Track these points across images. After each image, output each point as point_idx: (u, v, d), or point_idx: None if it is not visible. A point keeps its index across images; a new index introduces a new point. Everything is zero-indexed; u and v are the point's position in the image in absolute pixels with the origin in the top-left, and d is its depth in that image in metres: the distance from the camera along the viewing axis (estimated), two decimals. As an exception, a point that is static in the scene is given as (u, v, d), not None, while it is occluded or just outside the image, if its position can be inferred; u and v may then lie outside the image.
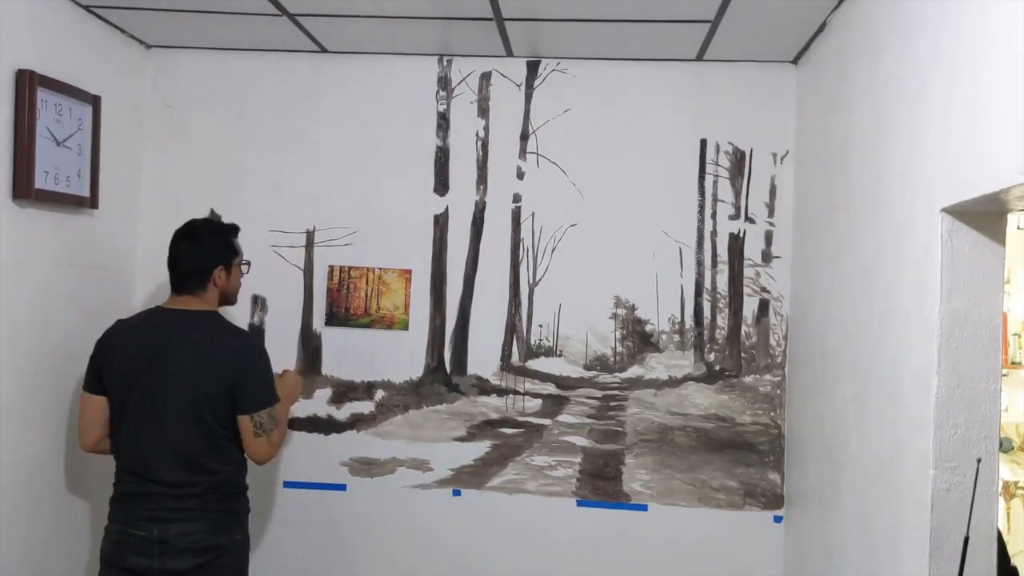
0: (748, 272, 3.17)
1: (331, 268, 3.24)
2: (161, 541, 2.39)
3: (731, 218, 3.17)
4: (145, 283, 3.22)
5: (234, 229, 2.69)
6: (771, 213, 3.16)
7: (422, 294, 3.23)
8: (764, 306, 3.16)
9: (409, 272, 3.23)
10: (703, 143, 3.17)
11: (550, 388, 3.22)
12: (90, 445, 2.55)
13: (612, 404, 3.20)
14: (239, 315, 3.24)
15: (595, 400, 3.20)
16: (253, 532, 3.22)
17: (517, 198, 3.22)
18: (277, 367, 3.23)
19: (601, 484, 3.19)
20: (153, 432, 2.43)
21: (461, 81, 3.22)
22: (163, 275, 3.21)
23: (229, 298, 2.67)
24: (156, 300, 3.15)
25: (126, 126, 3.13)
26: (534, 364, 3.22)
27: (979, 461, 1.72)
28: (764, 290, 3.16)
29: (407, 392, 3.24)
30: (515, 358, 3.23)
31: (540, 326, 3.22)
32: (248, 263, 2.76)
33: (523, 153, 3.22)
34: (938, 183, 1.78)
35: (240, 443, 2.51)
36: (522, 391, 3.22)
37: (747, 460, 3.15)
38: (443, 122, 3.23)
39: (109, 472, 2.56)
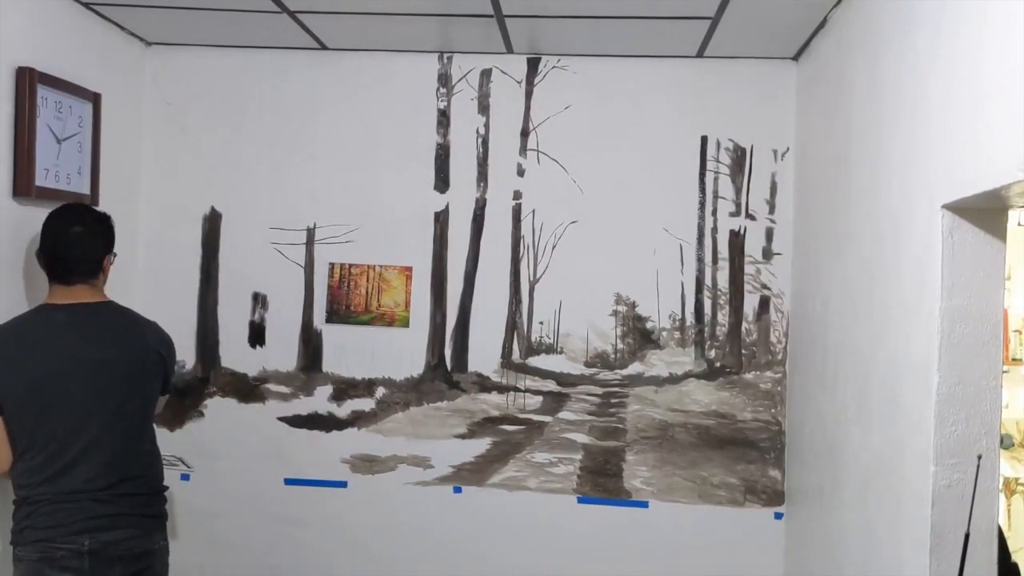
0: (749, 269, 3.17)
1: (331, 265, 3.24)
2: (92, 552, 2.23)
3: (732, 215, 3.17)
4: (145, 280, 3.23)
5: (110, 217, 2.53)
6: (772, 210, 3.16)
7: (423, 291, 3.23)
8: (765, 303, 3.16)
9: (410, 269, 3.23)
10: (704, 140, 3.17)
11: (551, 385, 3.22)
12: (3, 466, 2.30)
13: (613, 401, 3.20)
14: (240, 313, 3.24)
15: (596, 397, 3.20)
16: (255, 529, 3.24)
17: (517, 195, 3.22)
18: (280, 364, 3.26)
19: (602, 481, 3.19)
20: (93, 431, 2.29)
21: (461, 78, 3.22)
22: (163, 272, 3.23)
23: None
24: (156, 299, 3.17)
25: (126, 123, 3.13)
26: (535, 361, 3.22)
27: (980, 458, 1.72)
28: (765, 287, 3.16)
29: (408, 389, 3.24)
30: (516, 355, 3.23)
31: (541, 323, 3.22)
32: (115, 253, 2.53)
33: (523, 150, 3.22)
34: (938, 180, 1.78)
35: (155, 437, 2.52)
36: (523, 388, 3.22)
37: (748, 457, 3.15)
38: (443, 119, 3.23)
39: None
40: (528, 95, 3.21)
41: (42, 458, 2.28)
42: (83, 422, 2.30)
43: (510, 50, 3.14)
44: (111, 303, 2.46)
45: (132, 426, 2.40)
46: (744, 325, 3.17)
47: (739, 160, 3.16)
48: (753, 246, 3.17)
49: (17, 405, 2.27)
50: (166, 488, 2.52)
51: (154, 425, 2.54)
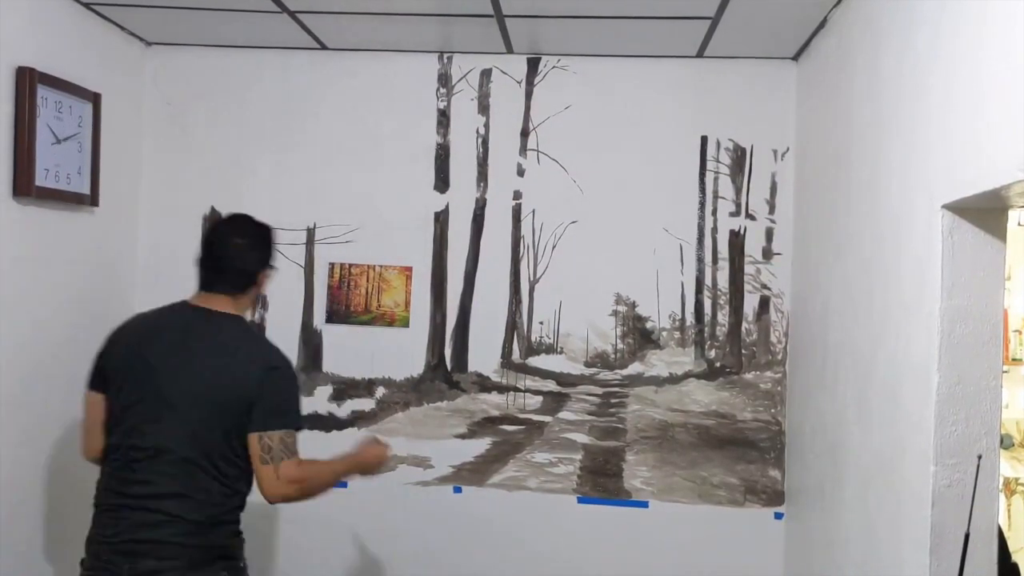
0: (749, 269, 3.17)
1: (332, 265, 3.24)
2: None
3: (732, 215, 3.17)
4: (145, 280, 3.22)
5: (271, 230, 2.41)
6: (772, 210, 3.16)
7: (423, 291, 3.23)
8: (765, 303, 3.16)
9: (410, 269, 3.23)
10: (704, 140, 3.17)
11: (551, 385, 3.22)
12: (92, 453, 2.26)
13: (613, 401, 3.20)
14: (240, 312, 3.24)
15: (596, 397, 3.20)
16: (254, 529, 3.23)
17: (517, 195, 3.22)
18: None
19: (602, 481, 3.19)
20: (158, 434, 2.12)
21: (461, 78, 3.22)
22: (163, 271, 3.23)
23: (253, 306, 2.43)
24: (156, 299, 3.16)
25: (126, 123, 3.13)
26: (535, 361, 3.22)
27: (980, 458, 1.72)
28: (765, 287, 3.16)
29: (408, 389, 3.24)
30: (516, 355, 3.23)
31: (541, 323, 3.22)
32: (272, 266, 2.44)
33: (523, 150, 3.22)
34: (939, 180, 1.78)
35: (248, 476, 2.19)
36: (523, 388, 3.22)
37: (748, 457, 3.15)
38: (443, 119, 3.23)
39: None
40: (528, 95, 3.21)
41: (112, 447, 2.19)
42: (155, 420, 2.14)
43: (510, 50, 3.14)
44: (241, 319, 2.28)
45: (200, 450, 2.12)
46: (744, 325, 3.17)
47: (739, 160, 3.16)
48: (753, 246, 3.17)
49: (112, 385, 2.21)
50: (230, 522, 2.20)
51: (236, 481, 2.18)
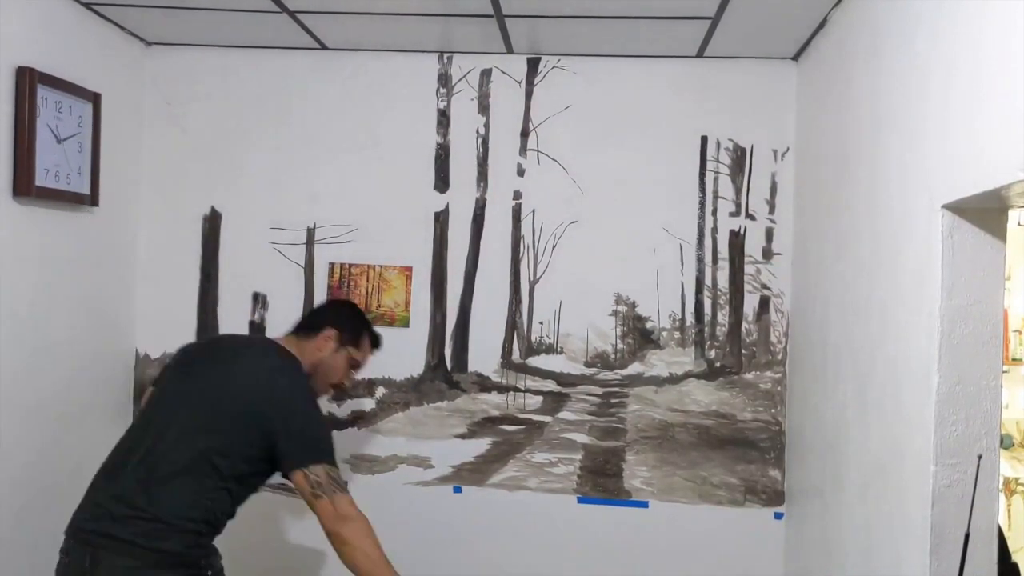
0: (749, 269, 3.17)
1: (332, 265, 3.24)
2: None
3: (732, 215, 3.17)
4: (145, 280, 3.23)
5: (377, 339, 2.53)
6: (772, 210, 3.16)
7: (423, 291, 3.23)
8: (765, 303, 3.16)
9: (410, 269, 3.23)
10: (704, 140, 3.17)
11: (551, 385, 3.22)
12: None
13: (613, 401, 3.20)
14: (240, 313, 3.24)
15: (596, 397, 3.20)
16: (254, 530, 3.23)
17: (517, 195, 3.22)
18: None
19: (602, 481, 3.19)
20: (145, 438, 2.15)
21: (461, 78, 3.22)
22: (163, 271, 3.24)
23: (318, 377, 2.36)
24: (156, 299, 3.19)
25: (126, 123, 3.13)
26: (535, 361, 3.22)
27: (980, 458, 1.72)
28: (765, 287, 3.16)
29: (408, 389, 3.24)
30: (516, 355, 3.23)
31: (541, 323, 3.22)
32: (359, 365, 2.49)
33: (523, 150, 3.22)
34: (938, 179, 1.78)
35: (233, 504, 2.20)
36: (523, 388, 3.22)
37: (748, 457, 3.15)
38: (443, 119, 3.23)
39: None
40: (528, 95, 3.21)
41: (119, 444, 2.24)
42: (163, 423, 2.17)
43: (510, 50, 3.14)
44: (282, 350, 2.30)
45: (174, 463, 2.11)
46: (744, 325, 3.17)
47: (739, 160, 3.16)
48: (753, 246, 3.17)
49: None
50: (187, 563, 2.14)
51: (225, 497, 2.17)
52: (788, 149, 3.13)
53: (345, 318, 2.48)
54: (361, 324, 2.52)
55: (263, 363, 2.25)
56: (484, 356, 3.23)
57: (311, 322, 2.46)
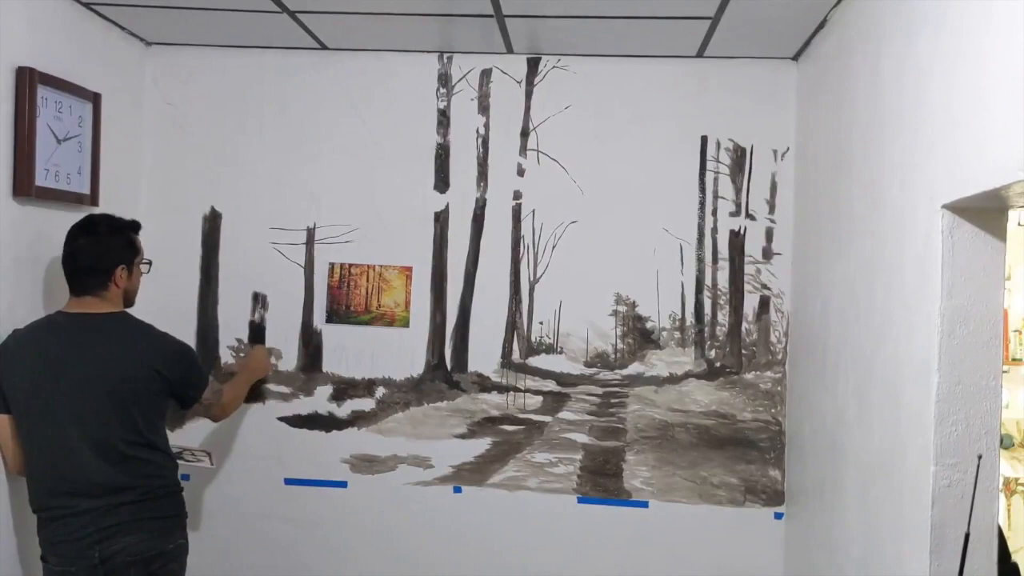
0: (749, 269, 3.17)
1: (331, 265, 3.24)
2: (105, 560, 2.29)
3: (732, 215, 3.17)
4: (145, 280, 3.22)
5: (135, 226, 2.55)
6: (772, 210, 3.16)
7: (423, 291, 3.23)
8: (765, 303, 3.16)
9: (410, 269, 3.23)
10: (704, 140, 3.17)
11: (551, 385, 3.22)
12: (18, 468, 2.40)
13: (613, 401, 3.20)
14: (240, 313, 3.24)
15: (596, 397, 3.20)
16: (254, 528, 3.24)
17: (517, 195, 3.22)
18: (280, 364, 3.25)
19: (602, 481, 3.19)
20: (72, 443, 2.30)
21: (461, 78, 3.22)
22: (163, 271, 3.23)
23: (130, 299, 2.52)
24: (156, 299, 3.17)
25: (126, 123, 3.13)
26: (535, 361, 3.22)
27: (980, 457, 1.72)
28: (765, 287, 3.16)
29: (408, 389, 3.24)
30: (516, 355, 3.23)
31: (541, 323, 3.22)
32: (149, 262, 2.64)
33: (523, 150, 3.22)
34: (939, 179, 1.78)
35: (165, 444, 2.49)
36: (523, 388, 3.22)
37: (748, 457, 3.15)
38: (443, 119, 3.23)
39: None
40: (528, 95, 3.21)
41: (40, 468, 2.35)
42: (63, 434, 2.31)
43: (510, 50, 3.14)
44: (121, 315, 2.44)
45: (117, 439, 2.33)
46: (744, 325, 3.17)
47: (739, 160, 3.16)
48: (753, 246, 3.17)
49: (17, 408, 2.35)
50: (178, 489, 2.50)
51: (164, 432, 2.52)
52: (788, 149, 3.13)
53: (115, 248, 2.44)
54: (120, 236, 2.47)
55: (127, 334, 2.41)
56: (484, 356, 3.23)
57: (95, 280, 2.39)
